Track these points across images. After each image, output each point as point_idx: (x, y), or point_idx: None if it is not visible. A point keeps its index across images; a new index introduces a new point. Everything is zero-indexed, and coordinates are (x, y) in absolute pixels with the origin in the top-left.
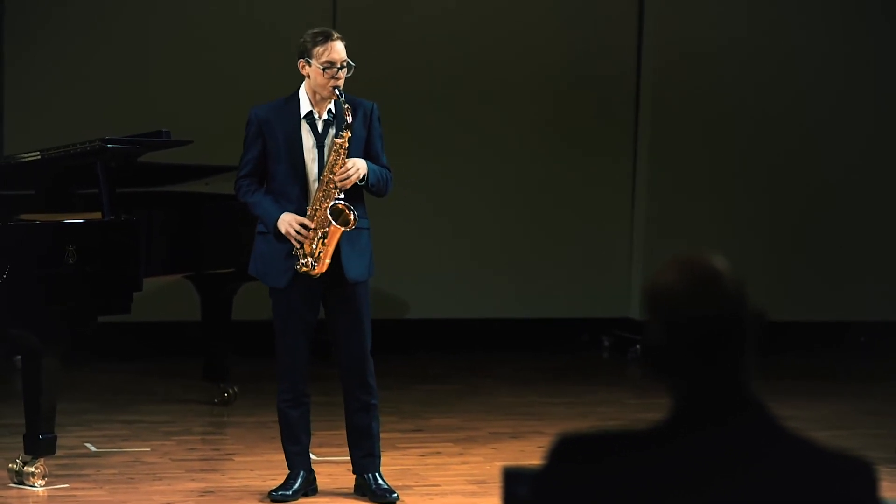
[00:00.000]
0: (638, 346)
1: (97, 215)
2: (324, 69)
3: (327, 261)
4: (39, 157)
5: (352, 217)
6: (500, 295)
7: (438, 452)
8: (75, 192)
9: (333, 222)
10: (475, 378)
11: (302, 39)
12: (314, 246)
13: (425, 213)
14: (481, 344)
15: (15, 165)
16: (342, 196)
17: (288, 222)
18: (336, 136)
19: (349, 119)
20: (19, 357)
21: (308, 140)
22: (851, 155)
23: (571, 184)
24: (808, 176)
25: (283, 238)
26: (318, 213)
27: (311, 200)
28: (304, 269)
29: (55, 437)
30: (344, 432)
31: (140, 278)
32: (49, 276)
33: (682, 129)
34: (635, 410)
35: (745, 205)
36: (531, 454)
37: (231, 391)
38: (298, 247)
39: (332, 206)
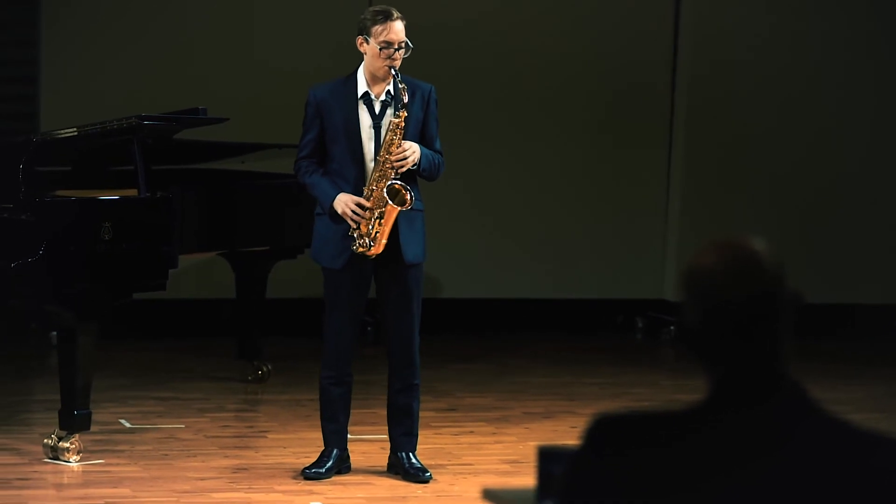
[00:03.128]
0: (672, 328)
1: (133, 192)
2: (381, 49)
3: (384, 241)
4: (76, 133)
5: (408, 197)
6: (534, 276)
7: (472, 432)
8: (111, 168)
9: (390, 202)
10: (509, 358)
11: (362, 16)
12: (370, 226)
13: (463, 197)
14: (515, 324)
15: (51, 141)
16: (398, 176)
17: (344, 202)
18: (393, 115)
19: (405, 99)
20: (54, 333)
21: (365, 120)
22: (880, 137)
23: (606, 166)
24: (839, 159)
25: (338, 219)
26: (374, 193)
27: (368, 180)
28: (361, 249)
29: (90, 413)
30: (379, 411)
31: (175, 256)
32: (84, 252)
33: (717, 114)
34: (669, 392)
35: (776, 187)
36: (564, 434)
37: (265, 369)
38: (355, 227)
39: (388, 186)
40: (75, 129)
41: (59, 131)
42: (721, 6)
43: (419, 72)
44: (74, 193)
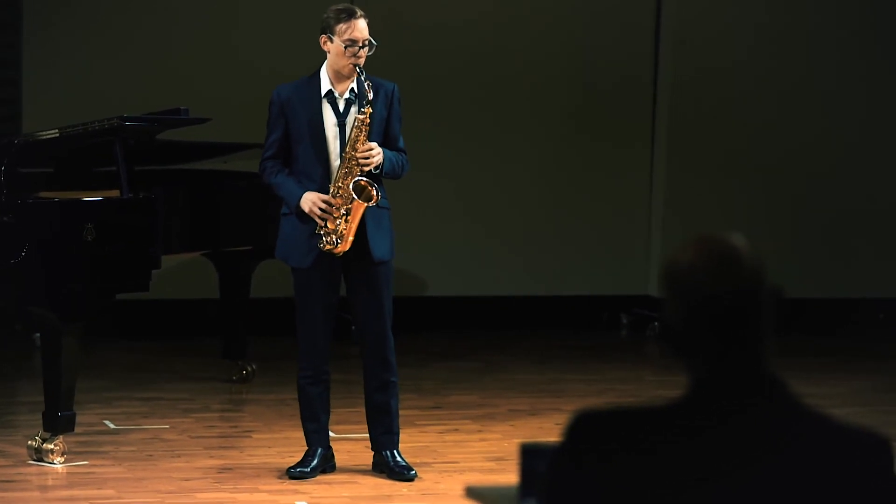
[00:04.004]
0: (656, 324)
1: (115, 193)
2: (345, 47)
3: (350, 238)
4: (58, 134)
5: (374, 193)
6: (519, 273)
7: (457, 429)
8: (93, 169)
9: (357, 198)
10: (494, 355)
11: (325, 15)
12: (338, 223)
13: (445, 193)
14: (500, 321)
15: (34, 143)
16: (363, 173)
17: (311, 201)
18: (358, 112)
19: (370, 96)
20: (38, 335)
21: (329, 119)
22: (861, 132)
23: (590, 162)
24: (821, 155)
25: (305, 218)
26: (340, 191)
27: (334, 178)
28: (328, 247)
29: (74, 415)
30: (363, 410)
31: (158, 256)
32: (67, 254)
33: (700, 111)
34: (654, 387)
35: (759, 182)
36: (549, 431)
37: (249, 368)
38: (322, 224)
39: (354, 182)
40: (57, 130)
41: (41, 133)
42: (703, 3)
43: (412, 71)
44: (57, 195)
